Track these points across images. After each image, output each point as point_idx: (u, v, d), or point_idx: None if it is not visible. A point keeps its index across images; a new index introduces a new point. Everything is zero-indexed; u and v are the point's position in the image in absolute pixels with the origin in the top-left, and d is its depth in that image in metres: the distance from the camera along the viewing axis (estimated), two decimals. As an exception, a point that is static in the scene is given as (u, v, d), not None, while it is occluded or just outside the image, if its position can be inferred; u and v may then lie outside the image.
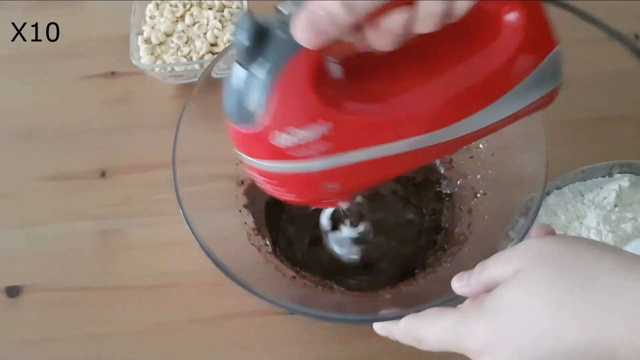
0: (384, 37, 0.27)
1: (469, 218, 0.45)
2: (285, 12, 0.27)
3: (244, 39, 0.27)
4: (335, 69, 0.30)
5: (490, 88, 0.31)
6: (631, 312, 0.25)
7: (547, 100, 0.33)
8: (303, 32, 0.26)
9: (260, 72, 0.28)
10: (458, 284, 0.32)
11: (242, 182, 0.47)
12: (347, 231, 0.44)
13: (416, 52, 0.30)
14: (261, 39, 0.27)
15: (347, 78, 0.30)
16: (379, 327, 0.34)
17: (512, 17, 0.30)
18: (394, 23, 0.26)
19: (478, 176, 0.46)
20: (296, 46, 0.27)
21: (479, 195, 0.46)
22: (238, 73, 0.28)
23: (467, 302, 0.30)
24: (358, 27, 0.27)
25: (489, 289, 0.29)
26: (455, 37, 0.30)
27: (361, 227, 0.44)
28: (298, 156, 0.29)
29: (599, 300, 0.25)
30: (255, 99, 0.28)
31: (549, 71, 0.31)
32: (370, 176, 0.32)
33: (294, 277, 0.44)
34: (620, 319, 0.25)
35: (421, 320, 0.31)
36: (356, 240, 0.44)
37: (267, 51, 0.27)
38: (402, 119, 0.30)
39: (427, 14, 0.26)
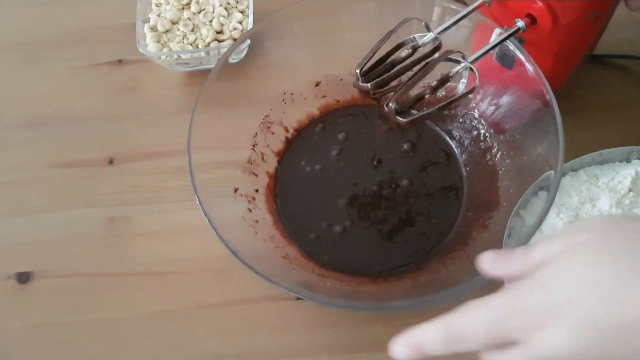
0: None
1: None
2: None
3: None
4: None
5: None
6: None
7: None
8: None
9: None
10: (494, 264, 0.30)
11: (258, 176, 0.48)
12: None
13: None
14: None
15: None
16: (401, 349, 0.30)
17: None
18: None
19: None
20: None
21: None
22: None
23: (506, 284, 0.29)
24: None
25: (529, 271, 0.28)
26: None
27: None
28: None
29: None
30: None
31: None
32: None
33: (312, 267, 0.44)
34: None
35: (459, 314, 0.28)
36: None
37: None
38: None
39: None
